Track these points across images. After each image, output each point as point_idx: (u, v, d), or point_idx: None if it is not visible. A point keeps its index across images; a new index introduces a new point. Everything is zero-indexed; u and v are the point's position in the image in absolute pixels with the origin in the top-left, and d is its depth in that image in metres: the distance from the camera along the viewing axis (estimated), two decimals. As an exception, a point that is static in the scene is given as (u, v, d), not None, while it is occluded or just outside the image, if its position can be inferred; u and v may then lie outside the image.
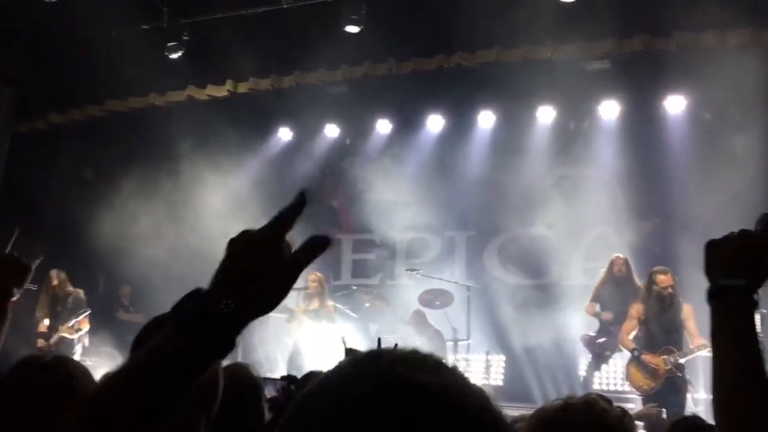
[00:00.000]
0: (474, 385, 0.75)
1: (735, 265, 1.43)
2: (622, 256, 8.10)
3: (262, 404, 2.41)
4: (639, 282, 7.80)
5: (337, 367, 0.77)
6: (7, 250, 2.12)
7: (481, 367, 8.87)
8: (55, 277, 8.87)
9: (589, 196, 9.59)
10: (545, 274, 9.96)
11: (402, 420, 0.67)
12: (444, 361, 0.75)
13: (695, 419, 2.84)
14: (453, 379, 0.73)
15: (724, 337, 1.40)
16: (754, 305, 1.41)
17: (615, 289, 8.04)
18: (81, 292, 9.06)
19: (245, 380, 2.34)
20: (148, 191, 10.58)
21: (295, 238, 1.18)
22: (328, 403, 0.72)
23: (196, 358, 1.00)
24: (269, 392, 2.58)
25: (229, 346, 1.02)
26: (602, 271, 8.20)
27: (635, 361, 7.07)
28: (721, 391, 1.36)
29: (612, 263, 8.08)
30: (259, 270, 1.03)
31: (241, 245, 1.08)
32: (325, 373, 0.77)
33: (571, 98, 9.64)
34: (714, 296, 1.43)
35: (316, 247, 1.12)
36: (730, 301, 1.41)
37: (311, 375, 2.68)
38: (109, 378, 1.01)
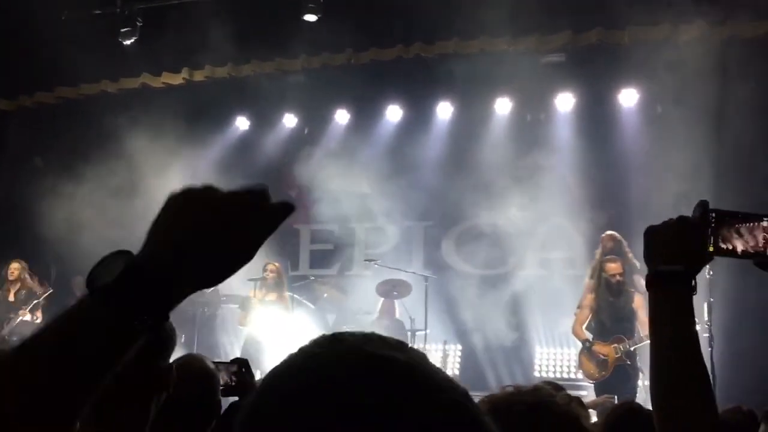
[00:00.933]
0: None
1: (673, 251, 1.45)
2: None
3: (218, 396, 2.39)
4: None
5: (300, 350, 0.74)
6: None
7: (438, 357, 8.94)
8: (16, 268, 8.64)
9: (545, 187, 9.72)
10: (502, 264, 10.07)
11: (379, 393, 0.66)
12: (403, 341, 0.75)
13: (632, 404, 2.92)
14: (417, 355, 0.73)
15: (661, 323, 1.41)
16: (690, 291, 1.44)
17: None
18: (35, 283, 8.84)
19: (200, 372, 2.32)
20: (100, 180, 10.37)
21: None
22: (299, 384, 0.69)
23: (117, 333, 0.84)
24: (222, 378, 2.56)
25: (162, 314, 0.86)
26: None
27: (586, 351, 7.23)
28: (658, 379, 1.38)
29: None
30: (216, 224, 0.86)
31: (191, 200, 0.89)
32: (290, 356, 0.74)
33: (528, 90, 9.74)
34: (652, 282, 1.45)
35: (287, 209, 0.99)
36: (667, 287, 1.43)
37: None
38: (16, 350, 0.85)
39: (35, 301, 8.58)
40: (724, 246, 1.49)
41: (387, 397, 0.66)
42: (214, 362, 2.74)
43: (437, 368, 0.73)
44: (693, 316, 1.43)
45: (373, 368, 0.68)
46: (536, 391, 1.52)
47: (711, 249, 1.48)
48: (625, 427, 2.41)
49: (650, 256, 1.48)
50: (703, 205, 1.51)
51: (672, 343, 1.38)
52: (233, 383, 2.57)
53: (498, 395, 1.54)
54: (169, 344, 1.83)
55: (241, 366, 2.62)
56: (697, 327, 4.71)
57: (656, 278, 1.44)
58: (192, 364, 2.37)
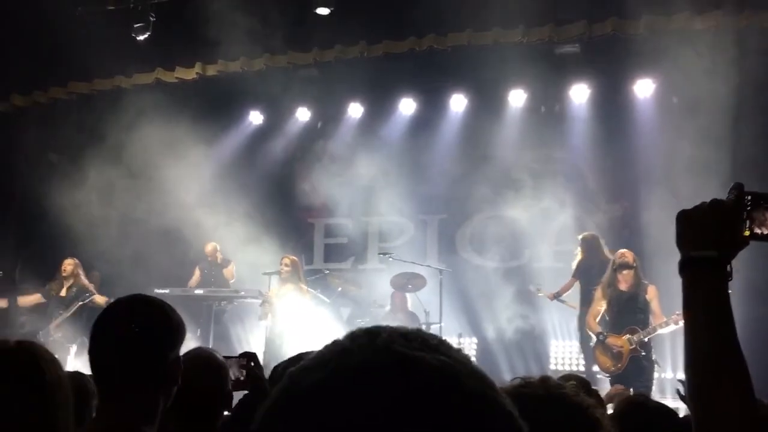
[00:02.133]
0: (481, 370, 0.70)
1: (706, 236, 1.39)
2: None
3: (228, 387, 2.40)
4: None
5: (332, 343, 0.72)
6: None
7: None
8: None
9: (559, 179, 9.67)
10: (516, 256, 10.04)
11: (398, 400, 0.63)
12: (447, 341, 0.71)
13: (639, 397, 2.90)
14: (459, 359, 0.68)
15: (695, 311, 1.37)
16: (726, 277, 1.37)
17: None
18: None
19: (209, 364, 2.33)
20: (115, 175, 10.43)
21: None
22: (319, 378, 0.67)
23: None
24: (232, 373, 2.56)
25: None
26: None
27: (600, 344, 7.18)
28: (693, 370, 1.34)
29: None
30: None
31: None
32: (321, 349, 0.72)
33: (542, 82, 9.68)
34: (685, 268, 1.40)
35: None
36: (701, 273, 1.37)
37: (300, 356, 2.66)
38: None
39: (87, 299, 8.56)
40: (759, 231, 1.41)
41: (401, 403, 0.63)
42: (223, 356, 2.75)
43: (481, 376, 0.68)
44: (729, 304, 1.35)
45: (397, 372, 0.65)
46: (545, 382, 1.51)
47: (746, 233, 1.41)
48: (630, 420, 2.39)
49: (682, 241, 1.42)
50: (738, 188, 1.43)
51: (707, 332, 1.33)
52: (243, 377, 2.58)
53: (506, 387, 1.53)
54: (179, 337, 1.84)
55: (250, 360, 2.62)
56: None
57: (688, 264, 1.39)
58: (201, 356, 2.38)
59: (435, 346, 0.69)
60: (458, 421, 0.64)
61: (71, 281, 8.60)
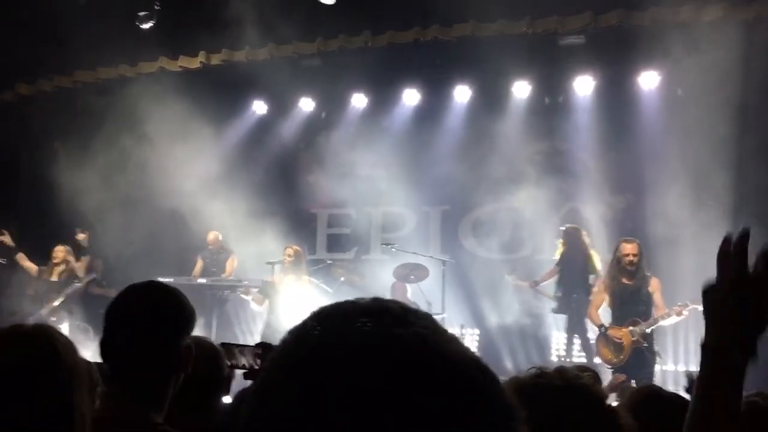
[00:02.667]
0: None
1: (733, 323, 1.25)
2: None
3: (225, 372, 2.42)
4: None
5: (303, 323, 0.71)
6: None
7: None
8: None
9: (563, 171, 9.66)
10: (519, 248, 10.05)
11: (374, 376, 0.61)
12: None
13: (652, 387, 2.89)
14: (424, 328, 0.66)
15: (711, 389, 1.27)
16: (750, 358, 1.24)
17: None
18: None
19: (208, 350, 2.35)
20: (119, 164, 10.45)
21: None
22: (308, 353, 0.65)
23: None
24: (246, 361, 2.58)
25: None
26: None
27: (602, 335, 7.19)
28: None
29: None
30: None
31: None
32: (294, 329, 0.71)
33: (546, 73, 9.66)
34: (706, 349, 1.29)
35: None
36: (719, 362, 1.26)
37: None
38: None
39: (76, 285, 8.73)
40: None
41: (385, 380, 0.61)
42: (238, 345, 2.77)
43: (448, 340, 0.67)
44: (743, 380, 1.25)
45: (371, 348, 0.63)
46: (562, 373, 1.52)
47: None
48: (647, 411, 2.39)
49: (707, 322, 1.30)
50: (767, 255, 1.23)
51: (720, 411, 1.25)
52: (257, 366, 2.60)
53: (522, 378, 1.54)
54: (191, 324, 1.86)
55: (266, 349, 2.64)
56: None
57: (710, 350, 1.28)
58: (200, 343, 2.40)
59: (403, 317, 0.67)
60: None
61: (62, 267, 8.76)
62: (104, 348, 1.78)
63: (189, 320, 1.85)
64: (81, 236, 8.95)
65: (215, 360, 2.36)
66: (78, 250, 8.97)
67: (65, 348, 1.56)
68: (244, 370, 2.57)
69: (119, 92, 10.34)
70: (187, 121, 9.78)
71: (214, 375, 2.33)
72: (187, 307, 1.85)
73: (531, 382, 1.50)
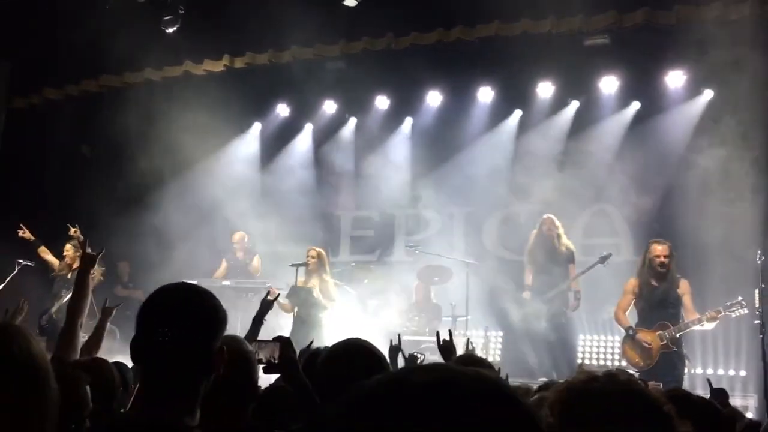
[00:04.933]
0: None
1: None
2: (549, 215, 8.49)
3: (256, 378, 2.41)
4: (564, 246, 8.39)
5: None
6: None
7: (479, 344, 8.90)
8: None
9: (588, 172, 9.57)
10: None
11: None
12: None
13: (677, 390, 2.85)
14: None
15: None
16: None
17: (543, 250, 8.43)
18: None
19: (239, 354, 2.34)
20: (145, 167, 10.54)
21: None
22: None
23: None
24: (264, 355, 2.59)
25: None
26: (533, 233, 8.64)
27: (629, 338, 7.08)
28: None
29: (541, 222, 8.50)
30: None
31: None
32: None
33: (571, 73, 9.58)
34: None
35: None
36: None
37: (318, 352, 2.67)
38: None
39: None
40: None
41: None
42: (257, 340, 2.77)
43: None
44: None
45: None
46: (613, 377, 1.52)
47: None
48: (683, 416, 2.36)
49: None
50: None
51: None
52: (275, 360, 2.60)
53: (573, 382, 1.54)
54: (224, 326, 1.85)
55: (284, 343, 2.64)
56: (746, 312, 4.57)
57: None
58: (230, 345, 2.39)
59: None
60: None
61: (75, 263, 8.83)
62: (137, 349, 1.77)
63: (222, 322, 1.83)
64: (73, 231, 8.98)
65: (246, 364, 2.35)
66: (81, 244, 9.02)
67: (22, 344, 1.52)
68: (263, 365, 2.58)
69: (145, 96, 10.42)
70: (212, 124, 9.84)
71: (245, 379, 2.31)
72: (221, 309, 1.84)
73: (581, 387, 1.49)
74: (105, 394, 2.81)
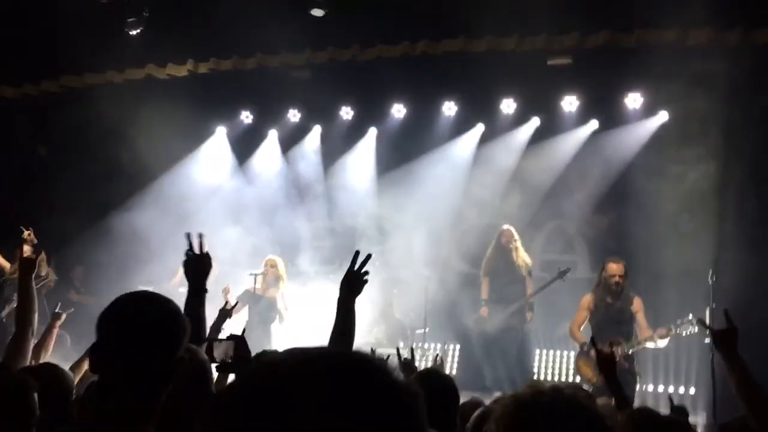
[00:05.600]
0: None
1: None
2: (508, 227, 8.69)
3: (211, 386, 2.38)
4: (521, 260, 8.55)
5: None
6: None
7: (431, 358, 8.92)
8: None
9: (546, 189, 9.70)
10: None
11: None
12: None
13: (649, 411, 2.88)
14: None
15: None
16: None
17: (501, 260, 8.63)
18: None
19: (194, 364, 2.31)
20: (103, 170, 10.36)
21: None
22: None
23: None
24: (218, 355, 2.56)
25: None
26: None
27: (584, 355, 7.18)
28: None
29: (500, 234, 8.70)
30: None
31: None
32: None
33: (533, 92, 9.72)
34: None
35: None
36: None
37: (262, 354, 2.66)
38: None
39: (37, 286, 8.53)
40: None
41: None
42: (211, 339, 2.74)
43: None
44: None
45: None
46: (558, 391, 1.53)
47: None
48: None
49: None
50: None
51: None
52: (229, 359, 2.58)
53: (519, 395, 1.55)
54: (186, 335, 1.82)
55: (238, 342, 2.63)
56: (696, 330, 4.69)
57: None
58: (188, 355, 2.35)
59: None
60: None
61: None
62: (96, 358, 1.73)
63: (185, 332, 1.81)
64: (27, 234, 8.77)
65: (203, 374, 2.32)
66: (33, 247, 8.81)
67: None
68: (216, 364, 2.55)
69: (106, 98, 10.25)
70: (174, 129, 9.73)
71: (200, 388, 2.28)
72: (183, 319, 1.82)
73: (528, 400, 1.50)
74: (57, 400, 2.74)
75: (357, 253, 3.06)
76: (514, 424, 1.52)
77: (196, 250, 2.95)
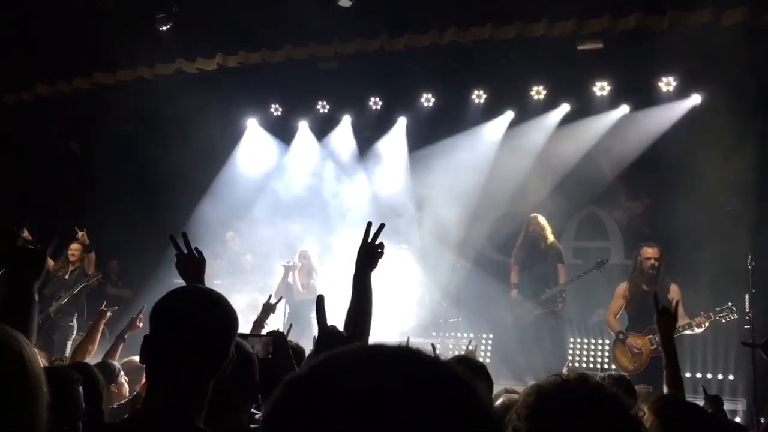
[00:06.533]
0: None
1: None
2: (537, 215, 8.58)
3: (257, 376, 2.39)
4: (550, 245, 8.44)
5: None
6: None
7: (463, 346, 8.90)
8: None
9: (579, 176, 9.58)
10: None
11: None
12: None
13: (678, 399, 2.84)
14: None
15: None
16: None
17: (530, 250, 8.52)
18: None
19: (240, 355, 2.33)
20: (135, 165, 10.49)
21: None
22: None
23: None
24: (259, 351, 2.56)
25: None
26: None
27: (620, 343, 7.10)
28: None
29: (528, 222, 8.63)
30: None
31: None
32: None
33: (563, 78, 9.59)
34: None
35: None
36: None
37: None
38: None
39: (83, 284, 8.73)
40: None
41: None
42: (251, 335, 2.75)
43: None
44: None
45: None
46: (585, 381, 1.51)
47: None
48: (679, 422, 2.35)
49: None
50: None
51: None
52: (269, 356, 2.58)
53: (544, 384, 1.53)
54: (236, 330, 1.86)
55: (277, 339, 2.63)
56: (735, 317, 4.66)
57: None
58: (238, 348, 2.37)
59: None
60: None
61: (77, 265, 8.80)
62: (149, 349, 1.76)
63: (236, 329, 1.85)
64: (81, 234, 8.96)
65: (249, 365, 2.34)
66: (84, 247, 9.01)
67: (15, 354, 1.54)
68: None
69: (137, 94, 10.37)
70: (204, 123, 9.81)
71: (246, 379, 2.31)
72: (234, 312, 1.85)
73: (553, 389, 1.48)
74: (89, 396, 2.81)
75: (369, 224, 2.84)
76: (534, 414, 1.51)
77: (184, 250, 2.88)
